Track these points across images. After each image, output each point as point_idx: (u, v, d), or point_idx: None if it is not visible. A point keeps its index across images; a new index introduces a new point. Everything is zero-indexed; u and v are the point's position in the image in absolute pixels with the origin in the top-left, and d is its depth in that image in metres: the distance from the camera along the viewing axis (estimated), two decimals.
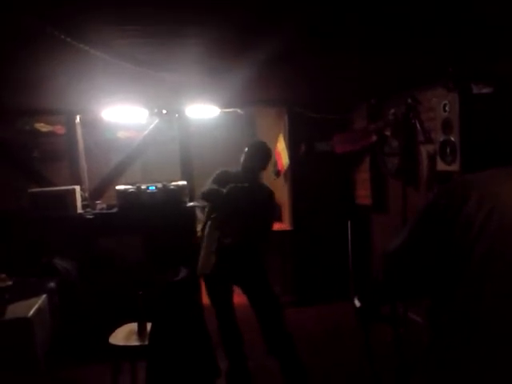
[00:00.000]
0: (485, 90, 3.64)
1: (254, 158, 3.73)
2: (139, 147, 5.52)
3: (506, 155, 3.23)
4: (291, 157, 5.72)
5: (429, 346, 1.35)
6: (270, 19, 2.49)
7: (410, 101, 4.48)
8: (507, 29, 2.85)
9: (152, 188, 4.79)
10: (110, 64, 3.09)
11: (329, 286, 5.73)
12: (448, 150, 3.88)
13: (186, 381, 2.98)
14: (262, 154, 3.79)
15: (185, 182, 4.95)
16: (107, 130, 6.14)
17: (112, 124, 5.72)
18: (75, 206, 4.70)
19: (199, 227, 4.58)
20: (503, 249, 1.21)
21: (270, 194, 3.79)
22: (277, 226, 5.40)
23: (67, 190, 4.75)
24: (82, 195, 4.90)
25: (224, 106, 5.42)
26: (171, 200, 4.80)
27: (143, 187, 4.79)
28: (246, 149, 3.76)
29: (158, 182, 4.86)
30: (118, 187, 4.84)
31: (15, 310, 3.03)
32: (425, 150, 4.38)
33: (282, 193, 6.06)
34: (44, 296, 3.34)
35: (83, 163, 5.37)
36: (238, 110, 5.88)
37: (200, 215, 5.62)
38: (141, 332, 3.29)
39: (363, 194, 5.69)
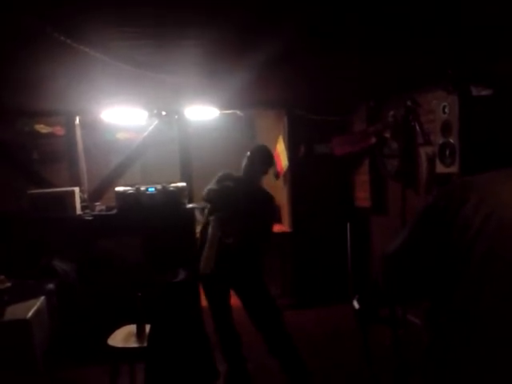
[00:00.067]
0: (484, 93, 3.64)
1: (256, 162, 3.75)
2: (138, 149, 5.52)
3: (505, 157, 3.23)
4: (291, 159, 5.72)
5: (428, 347, 1.35)
6: (270, 19, 2.49)
7: (409, 103, 4.49)
8: (507, 31, 2.85)
9: (151, 189, 4.79)
10: (110, 65, 3.09)
11: (328, 288, 5.73)
12: (447, 152, 3.88)
13: (184, 383, 2.98)
14: (264, 159, 3.80)
15: (184, 184, 4.95)
16: (107, 131, 6.15)
17: (111, 125, 5.72)
18: (74, 208, 4.70)
19: (198, 228, 4.58)
20: (502, 250, 1.21)
21: (269, 198, 3.81)
22: (276, 228, 5.40)
23: (66, 191, 4.75)
24: (81, 196, 4.89)
25: (223, 107, 5.43)
26: (170, 201, 4.80)
27: (142, 189, 4.79)
28: (248, 153, 3.78)
29: (158, 183, 4.86)
30: (117, 189, 4.84)
31: (14, 311, 3.03)
32: (424, 152, 4.38)
33: (281, 195, 6.06)
34: (42, 298, 3.34)
35: (82, 164, 5.37)
36: (238, 112, 5.89)
37: (199, 217, 5.63)
38: (139, 334, 3.29)
39: (362, 196, 5.69)
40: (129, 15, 2.37)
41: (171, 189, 4.82)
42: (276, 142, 5.92)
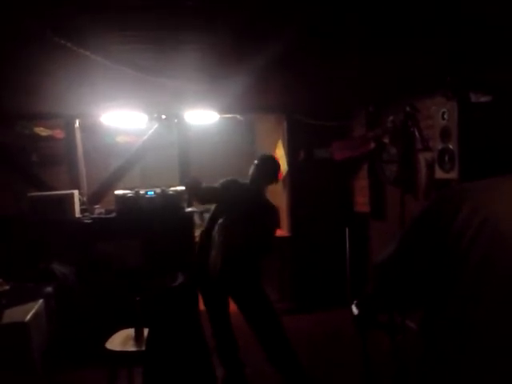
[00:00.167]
0: (483, 99, 3.65)
1: (262, 171, 3.77)
2: (138, 152, 5.52)
3: (504, 164, 3.24)
4: (290, 163, 5.73)
5: (422, 354, 1.35)
6: (270, 20, 2.49)
7: (408, 109, 4.49)
8: (505, 37, 2.87)
9: (150, 193, 4.79)
10: (110, 69, 3.10)
11: (327, 292, 5.72)
12: (446, 158, 3.89)
13: None
14: (270, 170, 3.82)
15: (183, 188, 4.95)
16: (106, 134, 6.16)
17: (111, 129, 5.73)
18: (74, 211, 4.70)
19: (197, 232, 4.58)
20: (496, 259, 1.20)
21: (272, 208, 3.81)
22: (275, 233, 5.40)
23: (66, 194, 4.75)
24: (80, 199, 4.90)
25: (223, 111, 5.43)
26: (170, 205, 4.80)
27: (142, 192, 4.79)
28: (256, 161, 3.79)
29: (157, 187, 4.86)
30: (116, 192, 4.84)
31: (12, 314, 3.03)
32: (423, 158, 4.38)
33: (280, 199, 6.06)
34: (41, 301, 3.33)
35: (82, 168, 5.37)
36: (238, 116, 5.90)
37: (198, 221, 5.64)
38: (138, 337, 3.28)
39: (361, 201, 5.69)
40: (129, 19, 2.38)
41: (170, 193, 4.82)
42: (275, 146, 5.93)
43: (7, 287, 3.47)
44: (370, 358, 2.06)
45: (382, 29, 2.64)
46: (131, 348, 3.21)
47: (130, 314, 3.32)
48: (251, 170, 3.79)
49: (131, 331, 3.35)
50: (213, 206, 3.81)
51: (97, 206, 5.04)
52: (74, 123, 5.27)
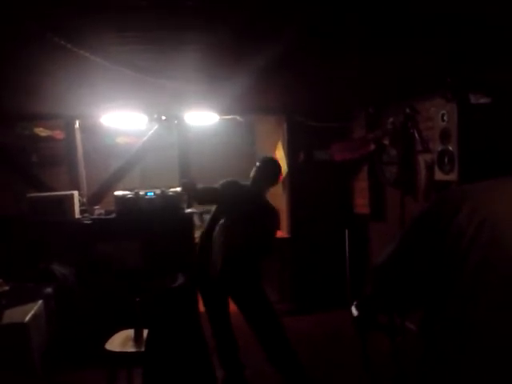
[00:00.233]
0: (483, 101, 3.65)
1: (264, 173, 3.78)
2: (138, 153, 5.52)
3: (504, 165, 3.24)
4: (290, 165, 5.73)
5: (422, 355, 1.35)
6: (270, 20, 2.49)
7: (408, 110, 4.50)
8: (505, 38, 2.87)
9: (150, 194, 4.80)
10: (110, 70, 3.10)
11: (327, 293, 5.72)
12: (446, 160, 3.89)
13: None
14: (272, 172, 3.83)
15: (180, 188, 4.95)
16: (106, 135, 6.17)
17: (111, 130, 5.73)
18: (73, 212, 4.70)
19: (197, 233, 4.58)
20: (496, 259, 1.20)
21: (273, 211, 3.81)
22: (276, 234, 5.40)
23: (66, 195, 4.76)
24: (80, 200, 4.90)
25: (223, 112, 5.43)
26: (169, 206, 4.80)
27: (141, 193, 4.79)
28: (258, 163, 3.80)
29: (157, 188, 4.86)
30: (116, 193, 4.84)
31: (12, 315, 3.03)
32: (423, 160, 4.39)
33: (280, 200, 6.06)
34: (40, 301, 3.33)
35: (82, 168, 5.37)
36: (238, 117, 5.90)
37: (198, 222, 5.64)
38: (137, 338, 3.28)
39: (361, 203, 5.69)
40: (129, 20, 2.38)
41: (170, 194, 4.82)
42: (275, 147, 5.93)
43: (7, 288, 3.46)
44: (370, 359, 2.06)
45: (382, 29, 2.64)
46: (131, 349, 3.21)
47: (130, 315, 3.31)
48: (253, 172, 3.80)
49: (131, 332, 3.35)
50: (213, 207, 3.81)
51: (96, 207, 5.04)
52: (73, 124, 5.27)
